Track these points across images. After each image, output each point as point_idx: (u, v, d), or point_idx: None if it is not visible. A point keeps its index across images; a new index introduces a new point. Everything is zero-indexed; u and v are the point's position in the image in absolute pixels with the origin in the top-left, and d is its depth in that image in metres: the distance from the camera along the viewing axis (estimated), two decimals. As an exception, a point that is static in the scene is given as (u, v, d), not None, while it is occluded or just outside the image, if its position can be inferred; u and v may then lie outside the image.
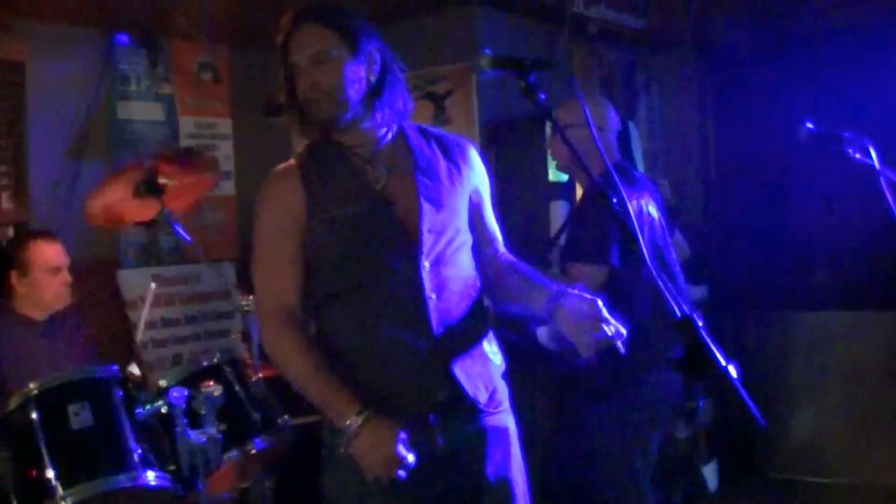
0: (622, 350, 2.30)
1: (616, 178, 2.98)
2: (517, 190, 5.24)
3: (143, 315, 4.34)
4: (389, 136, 2.56)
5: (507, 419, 2.62)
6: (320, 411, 2.51)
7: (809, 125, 3.49)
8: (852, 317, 5.97)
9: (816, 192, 5.95)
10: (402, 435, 2.36)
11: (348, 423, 2.36)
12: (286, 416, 3.52)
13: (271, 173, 2.58)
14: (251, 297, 3.49)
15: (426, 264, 2.46)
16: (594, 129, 3.55)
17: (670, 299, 1.96)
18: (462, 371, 2.48)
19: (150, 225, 3.87)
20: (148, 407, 3.24)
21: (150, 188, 3.61)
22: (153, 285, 4.46)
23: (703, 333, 1.90)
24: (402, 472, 2.35)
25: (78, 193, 5.03)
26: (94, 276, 5.32)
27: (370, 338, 2.46)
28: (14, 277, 3.89)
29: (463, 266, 2.56)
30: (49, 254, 3.91)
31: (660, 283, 2.02)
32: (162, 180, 3.62)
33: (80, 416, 3.10)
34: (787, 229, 6.25)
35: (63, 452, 3.06)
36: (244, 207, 6.00)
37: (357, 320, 2.48)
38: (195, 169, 3.87)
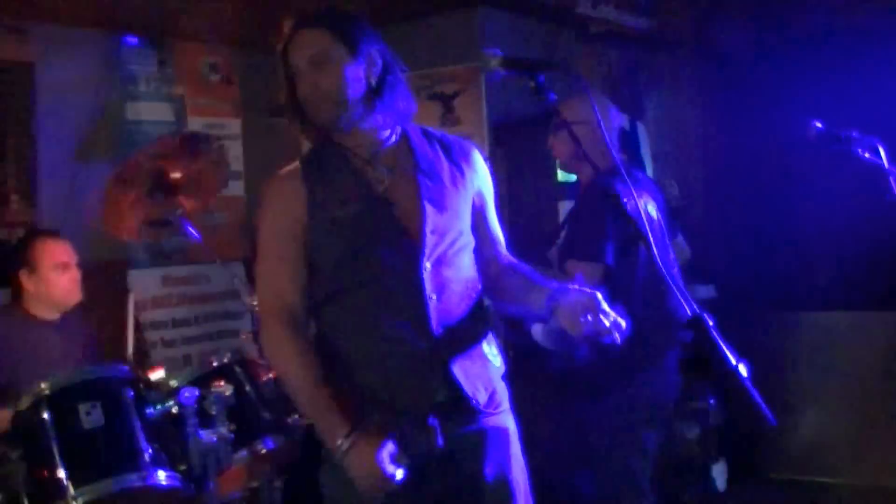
0: (618, 341, 2.29)
1: (624, 173, 3.00)
2: (525, 190, 5.25)
3: (130, 320, 4.30)
4: (393, 138, 2.56)
5: (506, 420, 2.62)
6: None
7: (818, 124, 3.48)
8: (857, 317, 5.96)
9: (820, 192, 5.94)
10: (392, 449, 2.36)
11: (338, 442, 2.37)
12: (296, 416, 3.52)
13: (274, 177, 2.59)
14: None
15: (427, 265, 2.46)
16: (602, 125, 3.58)
17: (681, 299, 1.96)
18: (461, 371, 2.48)
19: (161, 225, 3.87)
20: (159, 407, 3.26)
21: (162, 186, 3.62)
22: (132, 297, 4.41)
23: (713, 333, 1.91)
24: (392, 487, 2.36)
25: (87, 194, 5.04)
26: (104, 277, 5.34)
27: (370, 337, 2.46)
28: (23, 277, 3.90)
29: (464, 267, 2.56)
30: (56, 251, 3.92)
31: (670, 282, 2.02)
32: (173, 175, 3.62)
33: (91, 415, 3.11)
34: (790, 229, 6.24)
35: (74, 452, 3.08)
36: (253, 208, 6.01)
37: (357, 320, 2.48)
38: (202, 155, 3.86)
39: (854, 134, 3.43)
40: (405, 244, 2.46)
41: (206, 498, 3.19)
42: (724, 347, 1.89)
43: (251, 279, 2.82)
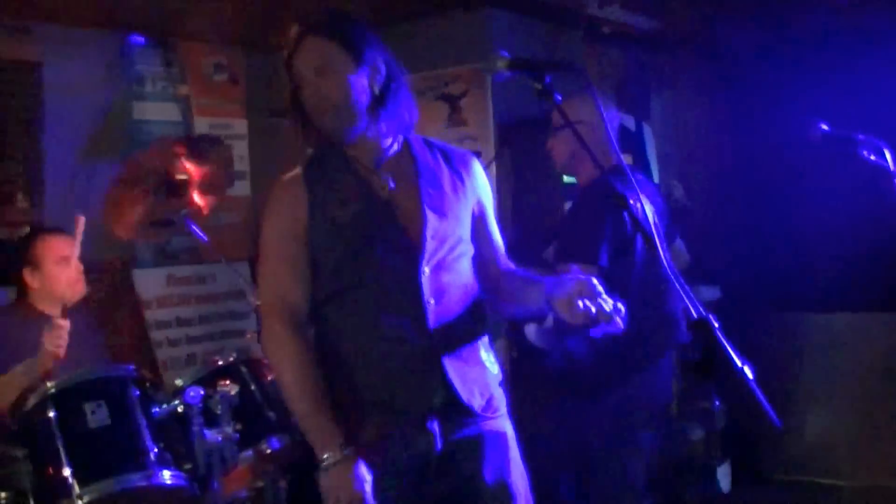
0: (620, 326, 2.28)
1: (627, 174, 2.99)
2: (531, 190, 5.25)
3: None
4: (395, 146, 2.58)
5: (504, 424, 2.63)
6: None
7: (824, 127, 3.48)
8: (860, 319, 5.95)
9: (824, 193, 5.93)
10: (370, 481, 2.39)
11: (326, 455, 2.39)
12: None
13: (277, 182, 2.61)
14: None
15: (426, 269, 2.48)
16: (608, 125, 3.58)
17: (686, 300, 1.96)
18: (457, 376, 2.49)
19: (167, 225, 3.88)
20: (164, 406, 3.26)
21: (168, 186, 3.63)
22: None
23: (719, 335, 1.91)
24: None
25: (93, 194, 5.05)
26: (110, 276, 5.35)
27: (369, 337, 2.48)
28: (27, 275, 3.92)
29: (462, 273, 2.58)
30: (58, 246, 3.93)
31: (676, 283, 2.01)
32: (179, 176, 3.63)
33: (96, 414, 3.12)
34: (794, 231, 6.24)
35: (80, 451, 3.08)
36: (259, 208, 6.02)
37: (356, 320, 2.50)
38: (208, 156, 3.87)
39: (859, 136, 3.43)
40: (405, 248, 2.48)
41: (211, 497, 3.20)
42: (730, 349, 1.88)
43: (256, 279, 2.82)
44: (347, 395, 2.47)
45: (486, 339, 2.65)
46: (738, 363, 1.87)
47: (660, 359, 3.59)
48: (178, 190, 3.66)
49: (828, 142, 3.48)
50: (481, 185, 2.69)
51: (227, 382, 3.23)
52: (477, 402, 2.53)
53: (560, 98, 2.35)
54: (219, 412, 3.17)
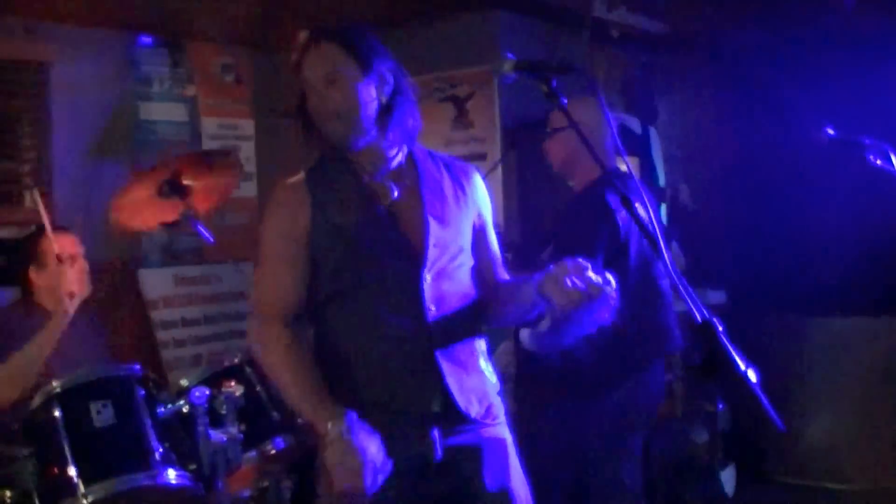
0: (613, 299, 2.26)
1: (626, 178, 2.99)
2: (538, 192, 5.25)
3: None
4: (399, 156, 2.59)
5: (503, 431, 2.64)
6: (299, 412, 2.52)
7: (830, 131, 3.48)
8: (866, 322, 5.94)
9: (831, 197, 5.93)
10: (379, 446, 2.37)
11: (329, 426, 2.37)
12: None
13: (279, 185, 2.61)
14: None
15: (428, 277, 2.49)
16: (607, 129, 3.57)
17: (690, 304, 1.96)
18: (455, 383, 2.50)
19: (172, 225, 3.88)
20: (169, 406, 3.27)
21: (173, 189, 3.63)
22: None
23: (723, 338, 1.91)
24: (369, 488, 2.35)
25: (100, 193, 5.07)
26: (116, 276, 5.36)
27: (369, 337, 2.49)
28: (32, 273, 3.92)
29: (462, 282, 2.59)
30: (62, 243, 3.93)
31: (681, 288, 2.01)
32: (186, 181, 3.64)
33: (102, 414, 3.13)
34: (800, 234, 6.23)
35: (85, 450, 3.09)
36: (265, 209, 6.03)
37: (356, 320, 2.50)
38: (218, 171, 3.89)
39: (866, 140, 3.42)
40: (407, 255, 2.49)
41: (216, 497, 3.20)
42: (734, 352, 1.89)
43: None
44: (347, 395, 2.47)
45: (484, 348, 2.66)
46: (742, 366, 1.87)
47: (650, 364, 3.60)
48: (184, 192, 3.66)
49: (833, 145, 3.48)
50: (482, 197, 2.71)
51: (233, 383, 3.23)
52: (475, 410, 2.54)
53: (566, 100, 2.35)
54: (224, 412, 3.17)
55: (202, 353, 5.63)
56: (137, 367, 3.34)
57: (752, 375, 1.87)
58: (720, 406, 5.33)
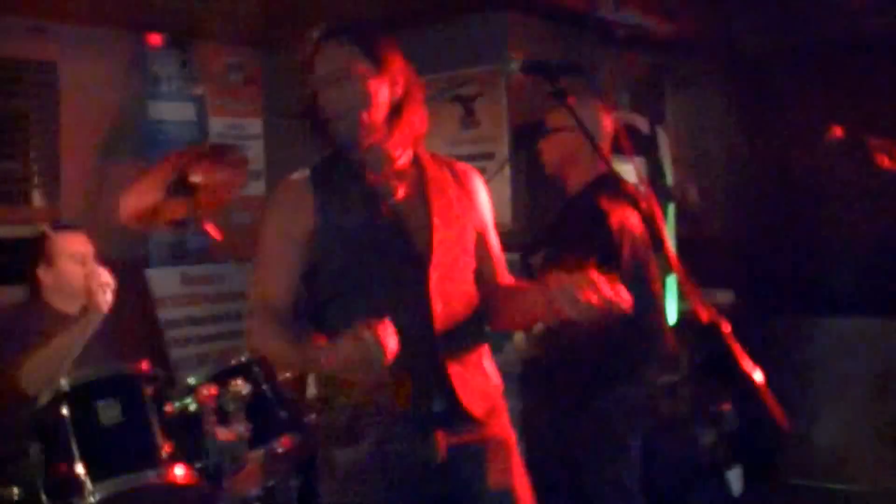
0: (629, 310, 2.24)
1: (620, 182, 2.99)
2: (545, 193, 5.25)
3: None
4: (405, 157, 2.59)
5: (506, 432, 2.64)
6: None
7: (839, 132, 3.48)
8: (875, 323, 5.93)
9: (840, 197, 5.92)
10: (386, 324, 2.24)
11: (332, 342, 2.27)
12: (313, 415, 3.54)
13: (283, 181, 2.61)
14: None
15: (434, 275, 2.49)
16: (617, 129, 3.56)
17: (697, 304, 1.97)
18: (460, 382, 2.50)
19: (180, 224, 3.88)
20: (176, 404, 3.27)
21: (181, 187, 3.63)
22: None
23: (730, 339, 1.91)
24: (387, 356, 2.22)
25: (109, 193, 5.08)
26: (123, 275, 5.36)
27: None
28: (41, 272, 3.92)
29: (466, 283, 2.59)
30: (72, 242, 3.94)
31: (688, 286, 2.02)
32: (193, 179, 3.64)
33: (109, 412, 3.13)
34: (811, 235, 6.23)
35: (92, 448, 3.09)
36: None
37: (359, 321, 2.48)
38: (226, 166, 3.88)
39: (873, 141, 3.42)
40: (413, 255, 2.50)
41: (223, 495, 3.21)
42: (741, 353, 1.89)
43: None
44: (348, 395, 2.47)
45: (487, 348, 2.65)
46: (749, 366, 1.87)
47: (643, 368, 3.59)
48: (191, 190, 3.66)
49: (843, 146, 3.48)
50: (484, 200, 2.71)
51: (240, 381, 3.24)
52: (479, 410, 2.53)
53: (573, 101, 2.35)
54: (231, 411, 3.18)
55: (209, 352, 5.63)
56: (145, 365, 3.34)
57: (758, 376, 1.87)
58: (727, 406, 5.32)
